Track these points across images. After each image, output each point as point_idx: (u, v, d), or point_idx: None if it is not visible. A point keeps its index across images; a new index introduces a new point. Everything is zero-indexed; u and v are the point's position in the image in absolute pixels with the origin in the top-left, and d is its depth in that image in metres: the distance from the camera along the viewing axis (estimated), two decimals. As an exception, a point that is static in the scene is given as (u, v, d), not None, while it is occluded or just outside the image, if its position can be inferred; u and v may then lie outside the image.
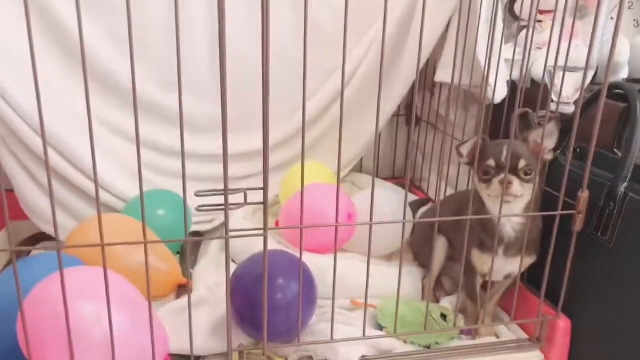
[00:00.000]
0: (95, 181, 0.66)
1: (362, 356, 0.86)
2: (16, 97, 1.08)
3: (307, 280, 0.87)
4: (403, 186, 0.84)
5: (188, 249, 0.74)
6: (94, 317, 0.71)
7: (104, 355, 0.71)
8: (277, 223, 1.25)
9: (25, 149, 1.14)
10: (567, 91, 1.00)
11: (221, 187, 0.68)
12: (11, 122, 1.09)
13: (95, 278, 0.73)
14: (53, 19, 1.18)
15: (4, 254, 1.25)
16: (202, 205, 0.69)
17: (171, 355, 0.84)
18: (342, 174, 1.55)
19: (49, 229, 1.24)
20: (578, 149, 0.98)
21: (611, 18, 1.14)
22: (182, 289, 1.08)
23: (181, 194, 1.24)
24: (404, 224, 0.83)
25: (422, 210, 1.37)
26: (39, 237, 1.31)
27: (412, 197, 1.46)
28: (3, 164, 1.17)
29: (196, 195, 0.69)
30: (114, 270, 0.74)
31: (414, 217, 1.28)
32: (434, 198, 1.40)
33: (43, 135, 0.61)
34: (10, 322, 0.73)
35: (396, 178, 1.70)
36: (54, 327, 0.69)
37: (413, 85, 1.15)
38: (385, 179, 1.66)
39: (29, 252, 1.18)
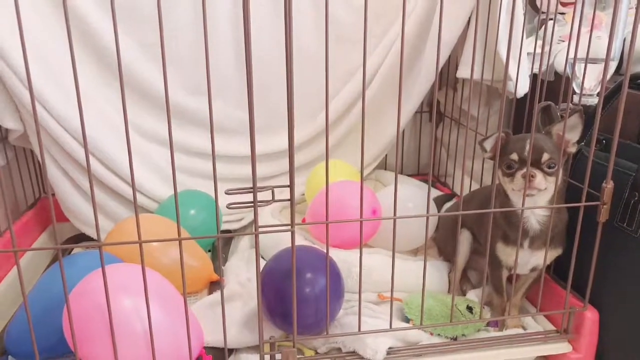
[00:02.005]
0: (133, 183, 0.69)
1: (390, 348, 0.88)
2: (56, 106, 1.14)
3: (334, 275, 0.90)
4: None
5: (220, 245, 0.78)
6: (134, 311, 0.75)
7: (144, 347, 0.76)
8: (304, 221, 1.28)
9: (66, 155, 1.20)
10: (590, 83, 1.00)
11: (249, 186, 0.71)
12: (52, 130, 1.15)
13: (134, 274, 0.78)
14: (88, 31, 1.23)
15: (46, 255, 1.32)
16: (232, 203, 0.72)
17: (206, 348, 0.88)
18: (366, 172, 1.57)
19: (87, 230, 1.30)
20: (604, 141, 0.98)
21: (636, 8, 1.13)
22: (214, 285, 1.12)
23: (211, 194, 1.28)
24: (428, 218, 0.85)
25: (447, 205, 1.38)
26: (79, 239, 1.37)
27: (437, 193, 1.47)
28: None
29: (226, 193, 0.72)
30: (150, 268, 0.78)
31: (438, 213, 1.29)
32: (459, 194, 1.41)
33: (85, 144, 0.65)
34: (56, 316, 0.78)
35: (421, 175, 1.70)
36: (97, 320, 0.73)
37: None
38: (410, 176, 1.67)
39: (71, 252, 1.25)
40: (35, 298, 0.86)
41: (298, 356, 0.85)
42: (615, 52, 1.02)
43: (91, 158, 1.20)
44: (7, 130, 1.24)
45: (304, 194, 1.43)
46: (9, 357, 0.89)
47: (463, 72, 1.31)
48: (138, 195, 1.28)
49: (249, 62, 0.65)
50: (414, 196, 1.17)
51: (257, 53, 1.34)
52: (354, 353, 0.88)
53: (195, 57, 1.33)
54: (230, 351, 0.91)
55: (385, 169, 1.68)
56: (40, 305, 0.84)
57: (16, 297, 1.09)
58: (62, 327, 0.77)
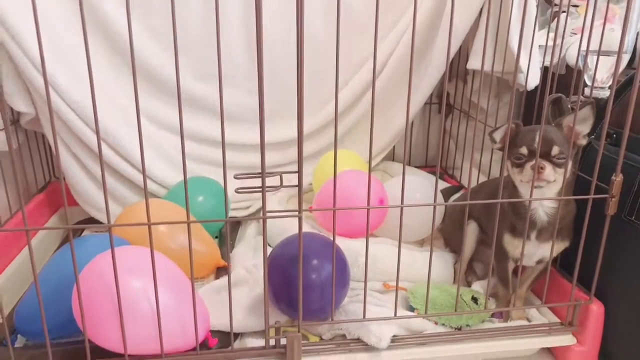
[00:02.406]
0: (143, 169, 0.70)
1: (394, 336, 0.89)
2: (68, 92, 1.15)
3: (340, 262, 0.90)
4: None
5: (228, 229, 0.78)
6: (142, 292, 0.76)
7: (151, 328, 0.77)
8: (311, 209, 1.28)
9: (77, 140, 1.21)
10: (602, 75, 0.99)
11: (258, 171, 0.72)
12: (63, 114, 1.16)
13: (143, 256, 0.79)
14: (100, 16, 1.24)
15: (55, 238, 1.34)
16: (241, 188, 0.73)
17: (212, 331, 0.89)
18: (374, 163, 1.57)
19: (96, 214, 1.32)
20: (614, 135, 0.98)
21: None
22: (221, 271, 1.13)
23: (219, 182, 1.29)
24: (435, 207, 0.85)
25: (454, 197, 1.38)
26: (88, 223, 1.38)
27: (444, 185, 1.47)
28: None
29: (235, 178, 0.73)
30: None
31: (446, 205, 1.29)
32: (466, 186, 1.41)
33: (97, 129, 0.66)
34: (65, 296, 0.79)
35: (429, 167, 1.70)
36: (106, 301, 0.74)
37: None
38: (418, 168, 1.67)
39: (81, 234, 1.26)
40: (44, 278, 0.87)
41: (303, 342, 0.86)
42: (629, 45, 1.01)
43: (102, 143, 1.21)
44: (18, 113, 1.25)
45: (311, 184, 1.43)
46: (18, 335, 0.91)
47: (474, 63, 1.30)
48: (147, 181, 1.29)
49: (260, 51, 0.65)
50: (421, 187, 1.17)
51: (267, 41, 1.34)
52: (358, 340, 0.88)
53: (205, 44, 1.34)
54: (236, 335, 0.92)
55: (393, 160, 1.68)
56: (49, 286, 0.85)
57: (25, 278, 1.10)
58: (70, 308, 0.78)
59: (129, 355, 0.77)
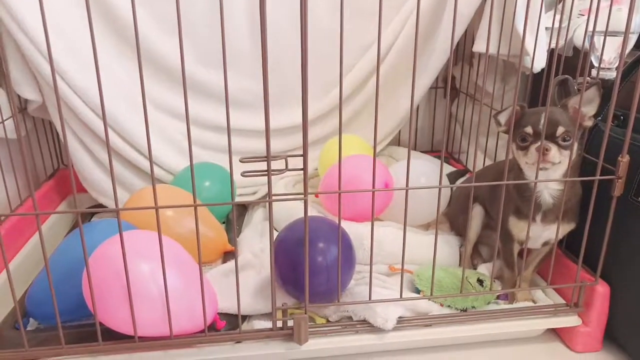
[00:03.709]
0: (150, 152, 0.71)
1: (400, 317, 0.89)
2: (75, 79, 1.15)
3: (346, 245, 0.91)
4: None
5: (234, 212, 0.79)
6: (151, 275, 0.77)
7: (160, 311, 0.78)
8: (317, 196, 1.28)
9: (84, 126, 1.21)
10: (609, 55, 0.98)
11: (263, 155, 0.72)
12: (70, 101, 1.16)
13: (151, 240, 0.80)
14: (105, 3, 1.24)
15: (65, 225, 1.36)
16: (247, 171, 0.74)
17: (220, 314, 0.90)
18: (380, 147, 1.57)
19: (104, 201, 1.33)
20: (622, 117, 0.97)
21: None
22: (229, 256, 1.14)
23: (225, 167, 1.29)
24: (440, 189, 0.85)
25: (459, 181, 1.38)
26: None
27: (450, 169, 1.47)
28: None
29: (241, 161, 0.73)
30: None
31: (451, 189, 1.29)
32: (472, 170, 1.40)
33: (104, 115, 0.66)
34: (75, 281, 0.81)
35: (435, 152, 1.70)
36: (115, 284, 0.76)
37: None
38: (423, 152, 1.67)
39: (90, 220, 1.27)
40: (55, 263, 0.89)
41: (309, 324, 0.87)
42: (636, 25, 1.00)
43: (108, 129, 1.22)
44: (26, 101, 1.26)
45: (316, 169, 1.44)
46: (30, 319, 0.93)
47: (479, 46, 1.29)
48: (154, 167, 1.30)
49: (264, 35, 0.65)
50: (427, 170, 1.17)
51: (272, 27, 1.33)
52: (364, 321, 0.89)
53: (209, 29, 1.33)
54: (244, 318, 0.94)
55: (399, 145, 1.67)
56: (60, 270, 0.86)
57: (36, 263, 1.12)
58: (80, 291, 0.79)
59: (138, 337, 0.79)
